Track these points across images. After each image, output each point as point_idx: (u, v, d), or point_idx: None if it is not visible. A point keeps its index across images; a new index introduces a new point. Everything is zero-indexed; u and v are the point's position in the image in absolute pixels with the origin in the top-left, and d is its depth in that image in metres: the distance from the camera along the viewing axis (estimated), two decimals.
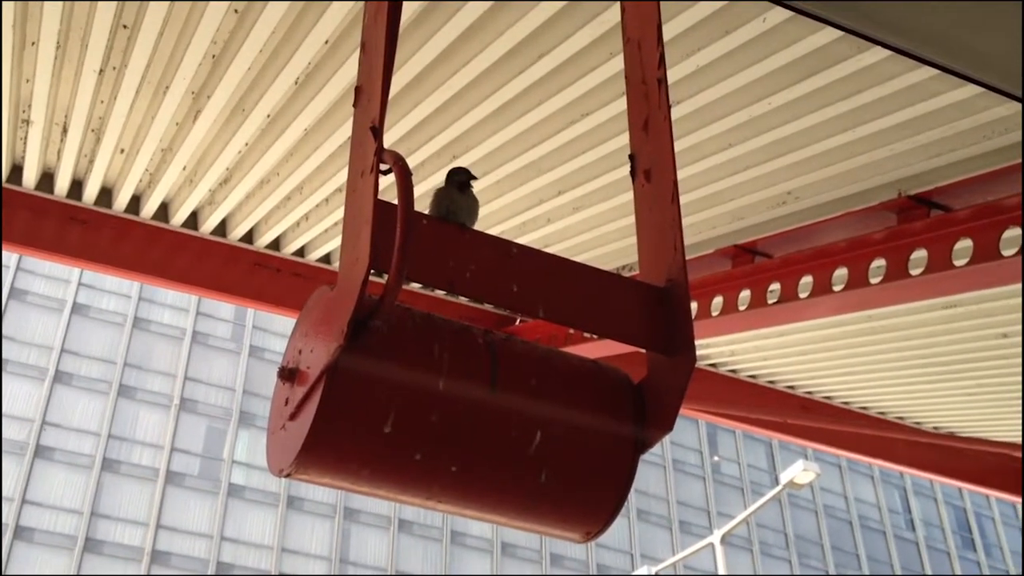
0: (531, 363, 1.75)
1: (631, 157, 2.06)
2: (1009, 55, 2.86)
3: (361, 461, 1.61)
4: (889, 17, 2.80)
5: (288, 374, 1.71)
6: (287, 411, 1.66)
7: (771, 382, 6.73)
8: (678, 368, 1.78)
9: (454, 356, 1.66)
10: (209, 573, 33.98)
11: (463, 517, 1.76)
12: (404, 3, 1.94)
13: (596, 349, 4.95)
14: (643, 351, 1.87)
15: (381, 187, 1.68)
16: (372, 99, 1.78)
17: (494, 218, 4.88)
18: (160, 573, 33.41)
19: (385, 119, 1.77)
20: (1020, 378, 5.86)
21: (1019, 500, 8.06)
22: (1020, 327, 5.20)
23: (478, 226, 1.92)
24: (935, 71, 3.21)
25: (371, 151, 1.71)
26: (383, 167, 1.70)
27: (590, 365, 1.83)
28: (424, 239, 1.73)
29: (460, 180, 1.96)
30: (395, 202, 1.62)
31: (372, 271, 1.59)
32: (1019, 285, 4.42)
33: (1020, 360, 5.61)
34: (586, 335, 5.33)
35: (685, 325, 1.81)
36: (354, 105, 1.87)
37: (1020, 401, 6.26)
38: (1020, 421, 6.63)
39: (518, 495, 1.70)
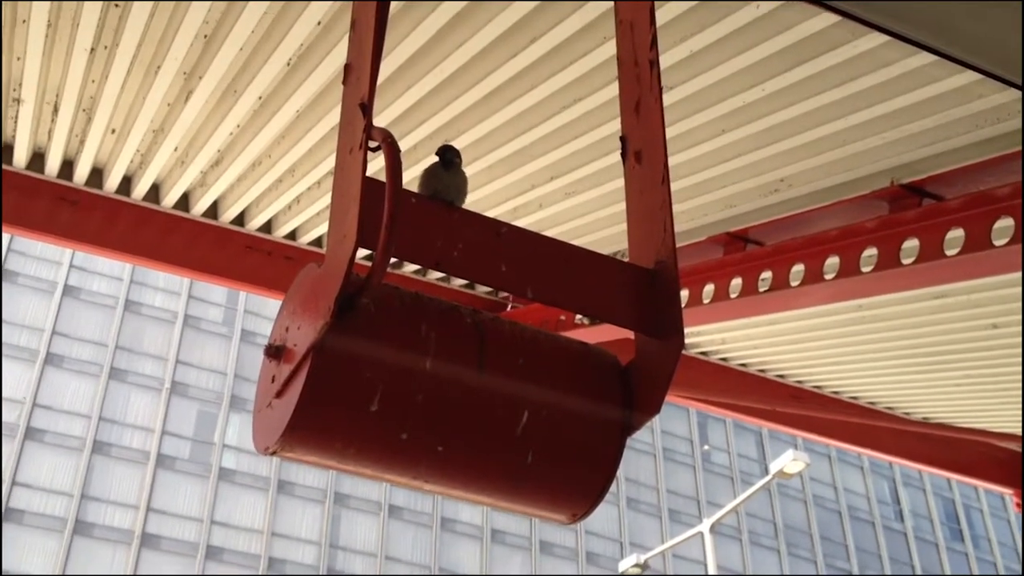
0: (519, 344, 1.74)
1: (622, 139, 2.05)
2: (1007, 40, 2.86)
3: (347, 439, 1.60)
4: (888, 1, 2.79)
5: (275, 352, 1.70)
6: (273, 389, 1.66)
7: (762, 370, 6.73)
8: (666, 351, 1.77)
9: (441, 335, 1.66)
10: (199, 556, 34.00)
11: (449, 497, 1.75)
12: None
13: (586, 335, 4.95)
14: (632, 335, 1.87)
15: (371, 168, 1.67)
16: (362, 77, 1.77)
17: (486, 203, 4.86)
18: (150, 556, 33.42)
19: (375, 98, 1.76)
20: (1010, 369, 5.87)
21: (1008, 491, 8.08)
22: (1010, 318, 5.21)
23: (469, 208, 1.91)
24: (930, 58, 3.20)
25: (360, 128, 1.70)
26: (372, 144, 1.69)
27: (578, 347, 1.83)
28: (412, 217, 1.72)
29: (445, 158, 1.95)
30: (384, 180, 1.61)
31: (360, 249, 1.58)
32: (1009, 276, 4.43)
33: (1010, 351, 5.62)
34: (577, 320, 5.32)
35: (673, 307, 1.80)
36: (344, 83, 1.86)
37: (1010, 392, 6.28)
38: (1009, 412, 6.65)
39: (504, 475, 1.70)
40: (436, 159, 1.97)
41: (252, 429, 1.72)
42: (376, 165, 1.68)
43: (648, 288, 1.85)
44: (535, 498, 1.74)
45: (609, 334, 3.85)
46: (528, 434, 1.67)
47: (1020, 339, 5.41)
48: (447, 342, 1.66)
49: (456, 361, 1.65)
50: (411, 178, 3.08)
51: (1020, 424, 6.80)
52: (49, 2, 3.78)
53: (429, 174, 1.92)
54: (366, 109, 1.71)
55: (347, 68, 1.86)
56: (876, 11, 2.84)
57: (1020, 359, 5.66)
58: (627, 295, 1.85)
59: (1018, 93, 3.29)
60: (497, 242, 1.80)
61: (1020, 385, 6.08)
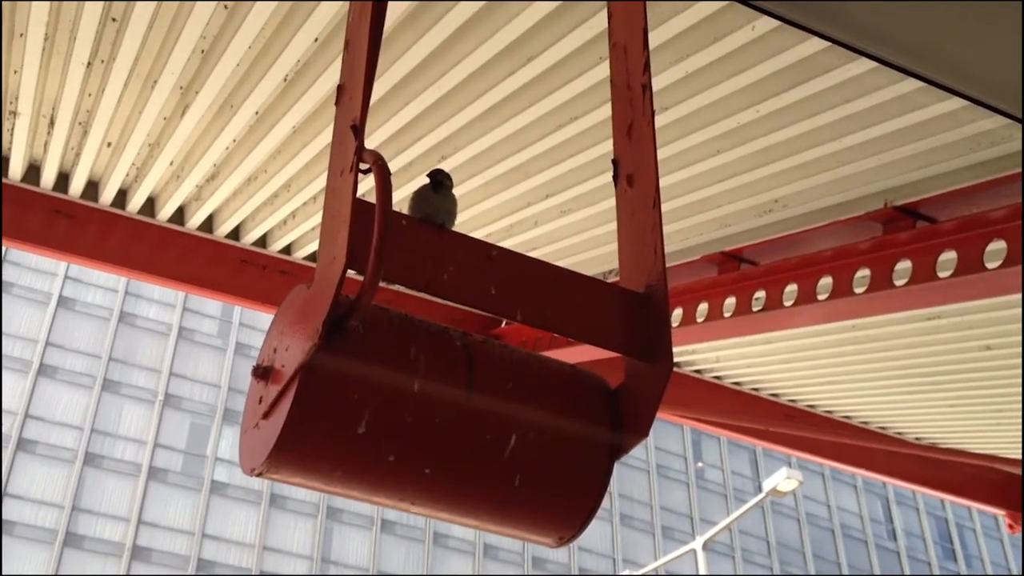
0: (508, 367, 1.74)
1: (614, 162, 2.06)
2: (996, 69, 2.87)
3: (334, 462, 1.60)
4: (876, 29, 2.81)
5: (263, 372, 1.70)
6: (261, 409, 1.65)
7: (755, 389, 6.73)
8: (655, 374, 1.77)
9: (430, 358, 1.66)
10: (190, 570, 33.86)
11: (437, 519, 1.75)
12: (392, 3, 1.94)
13: (579, 354, 4.95)
14: (622, 356, 1.87)
15: (362, 189, 1.68)
16: (354, 98, 1.78)
17: (481, 220, 4.87)
18: (141, 569, 33.28)
19: (367, 118, 1.77)
20: (1003, 391, 5.88)
21: (1000, 512, 8.07)
22: (1003, 340, 5.21)
23: (463, 228, 1.92)
24: (921, 83, 3.22)
25: (351, 150, 1.70)
26: (363, 166, 1.70)
27: (567, 370, 1.83)
28: (402, 240, 1.72)
29: (436, 180, 1.95)
30: (374, 202, 1.61)
31: (350, 271, 1.58)
32: (1002, 298, 4.44)
33: (1003, 373, 5.63)
34: (569, 339, 5.31)
35: (663, 331, 1.80)
36: (336, 103, 1.87)
37: (1003, 413, 6.28)
38: (1002, 433, 6.65)
39: (492, 499, 1.69)
40: (427, 181, 1.97)
41: (239, 450, 1.72)
42: (367, 186, 1.68)
43: (638, 311, 1.85)
44: (522, 521, 1.74)
45: (599, 353, 3.85)
46: (516, 457, 1.67)
47: (1014, 360, 5.42)
48: (436, 365, 1.66)
49: (445, 384, 1.65)
50: (404, 196, 3.09)
51: (1013, 446, 6.79)
52: (47, 9, 3.78)
53: (419, 197, 1.93)
54: (358, 131, 1.72)
55: (340, 89, 1.87)
56: (865, 38, 2.86)
57: (1013, 380, 5.66)
58: (617, 318, 1.85)
59: (1007, 119, 3.30)
60: (487, 265, 1.80)
61: (1013, 406, 6.08)
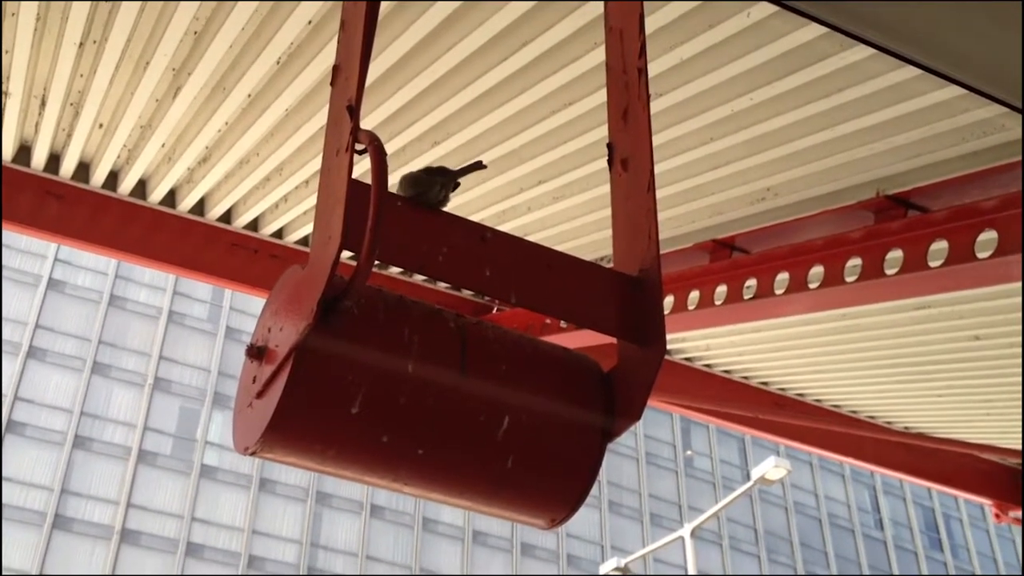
0: (501, 348, 1.75)
1: (609, 146, 2.06)
2: (993, 56, 2.88)
3: (327, 441, 1.60)
4: (875, 15, 2.81)
5: (256, 352, 1.70)
6: (254, 389, 1.66)
7: (745, 377, 6.75)
8: (648, 358, 1.78)
9: (424, 339, 1.66)
10: (178, 553, 33.88)
11: (429, 500, 1.76)
12: None
13: (571, 341, 4.96)
14: (615, 341, 1.87)
15: (357, 171, 1.68)
16: (350, 78, 1.78)
17: (474, 206, 4.87)
18: (129, 552, 33.29)
19: (363, 100, 1.77)
20: (992, 381, 5.91)
21: (987, 502, 8.12)
22: (992, 330, 5.24)
23: (456, 212, 1.91)
24: (917, 71, 3.22)
25: (347, 130, 1.70)
26: (358, 147, 1.70)
27: (560, 352, 1.84)
28: (397, 220, 1.73)
29: (448, 181, 1.93)
30: (370, 182, 1.61)
31: (344, 251, 1.58)
32: (992, 288, 4.46)
33: (992, 363, 5.65)
34: (562, 324, 5.33)
35: (656, 315, 1.81)
36: (331, 84, 1.87)
37: (991, 403, 6.31)
38: (991, 423, 6.69)
39: (484, 480, 1.70)
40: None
41: (232, 429, 1.72)
42: (363, 167, 1.68)
43: (631, 295, 1.86)
44: (514, 503, 1.75)
45: (593, 339, 3.86)
46: (509, 439, 1.68)
47: (1003, 351, 5.44)
48: (430, 346, 1.66)
49: (438, 365, 1.66)
50: (395, 182, 3.09)
51: (1002, 435, 6.83)
52: None
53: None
54: (353, 111, 1.72)
55: (335, 69, 1.87)
56: (864, 24, 2.86)
57: (1002, 371, 5.69)
58: (610, 302, 1.85)
59: (1003, 108, 3.31)
60: (482, 247, 1.80)
61: (1002, 396, 6.11)
